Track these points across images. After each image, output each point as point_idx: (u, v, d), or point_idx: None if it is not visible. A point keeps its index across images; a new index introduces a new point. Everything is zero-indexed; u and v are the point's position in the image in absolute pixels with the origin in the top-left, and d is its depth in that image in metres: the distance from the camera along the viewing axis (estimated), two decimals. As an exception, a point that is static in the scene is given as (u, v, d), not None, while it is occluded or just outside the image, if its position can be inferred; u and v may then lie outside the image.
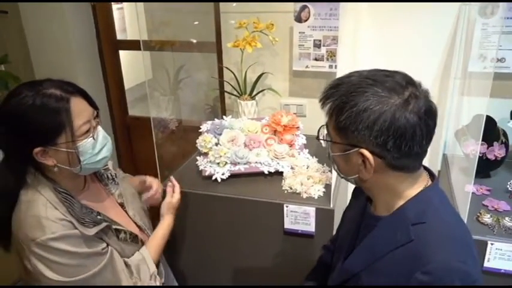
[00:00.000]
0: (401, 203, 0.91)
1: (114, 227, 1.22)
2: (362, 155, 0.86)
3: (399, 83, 0.84)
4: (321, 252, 1.37)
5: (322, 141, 0.97)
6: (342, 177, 0.98)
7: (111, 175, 1.37)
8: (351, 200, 1.18)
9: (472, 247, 0.87)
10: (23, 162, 1.11)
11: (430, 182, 0.94)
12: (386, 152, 0.84)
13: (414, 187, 0.92)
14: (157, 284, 1.28)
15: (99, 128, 1.17)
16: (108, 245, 1.18)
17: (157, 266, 1.35)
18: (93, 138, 1.14)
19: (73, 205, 1.12)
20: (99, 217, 1.18)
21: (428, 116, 0.83)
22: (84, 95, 1.15)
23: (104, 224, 1.16)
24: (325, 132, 0.94)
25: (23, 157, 1.09)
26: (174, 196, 1.50)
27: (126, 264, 1.21)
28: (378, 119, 0.81)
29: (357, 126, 0.83)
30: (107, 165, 1.37)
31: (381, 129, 0.82)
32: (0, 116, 1.08)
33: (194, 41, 2.30)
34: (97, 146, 1.15)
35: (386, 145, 0.83)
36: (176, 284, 1.61)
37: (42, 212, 1.07)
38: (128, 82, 2.82)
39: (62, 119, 1.07)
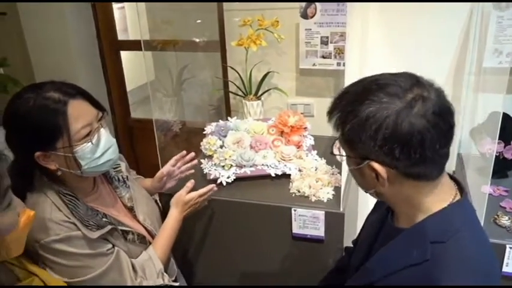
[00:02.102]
0: (422, 217, 0.85)
1: (121, 228, 1.21)
2: (373, 168, 0.81)
3: (402, 86, 0.78)
4: (335, 254, 1.36)
5: (337, 157, 0.92)
6: (365, 192, 0.93)
7: (123, 177, 1.35)
8: (376, 203, 1.12)
9: (491, 273, 0.81)
10: (27, 164, 1.10)
11: (458, 197, 0.86)
12: (396, 161, 0.78)
13: (438, 200, 0.84)
14: (165, 281, 1.27)
15: (102, 131, 1.15)
16: (114, 245, 1.17)
17: (167, 262, 1.35)
18: (92, 143, 1.11)
19: (77, 207, 1.12)
20: (104, 219, 1.17)
21: (440, 117, 0.76)
22: (87, 96, 1.13)
23: (108, 228, 1.16)
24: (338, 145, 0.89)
25: (26, 159, 1.08)
26: (189, 194, 1.42)
27: (132, 265, 1.20)
28: (380, 127, 0.76)
29: (361, 137, 0.78)
30: (119, 166, 1.35)
31: (384, 138, 0.76)
32: (4, 118, 1.08)
33: (197, 40, 2.26)
34: (98, 150, 1.13)
35: (393, 154, 0.77)
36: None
37: (47, 214, 1.07)
38: (131, 83, 2.79)
39: (59, 123, 1.05)
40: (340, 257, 1.34)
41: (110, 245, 1.16)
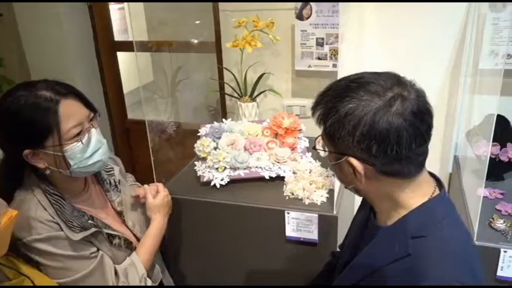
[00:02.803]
0: (403, 213, 0.87)
1: (106, 231, 1.20)
2: (350, 163, 0.83)
3: (382, 84, 0.80)
4: (329, 258, 1.34)
5: (320, 151, 0.94)
6: (345, 187, 0.95)
7: (115, 181, 1.34)
8: (360, 204, 1.13)
9: (474, 265, 0.82)
10: (17, 162, 1.10)
11: (437, 192, 0.88)
12: (373, 158, 0.80)
13: (417, 196, 0.86)
14: (148, 285, 1.27)
15: (93, 131, 1.14)
16: (98, 249, 1.17)
17: (151, 268, 1.34)
18: (82, 143, 1.11)
19: (63, 207, 1.11)
20: (90, 221, 1.16)
21: (418, 117, 0.78)
22: (80, 96, 1.13)
23: (92, 230, 1.15)
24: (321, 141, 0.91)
25: (16, 157, 1.08)
26: (157, 196, 1.41)
27: (115, 271, 1.19)
28: (358, 124, 0.78)
29: (341, 133, 0.80)
30: (112, 170, 1.35)
31: (362, 134, 0.78)
32: None
33: (195, 41, 2.25)
34: (88, 150, 1.13)
35: (370, 150, 0.79)
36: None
37: (32, 212, 1.08)
38: (131, 84, 2.77)
39: (49, 121, 1.05)
40: (327, 261, 1.33)
41: (94, 249, 1.16)
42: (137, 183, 1.58)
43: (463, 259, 0.81)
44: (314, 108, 0.86)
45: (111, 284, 1.15)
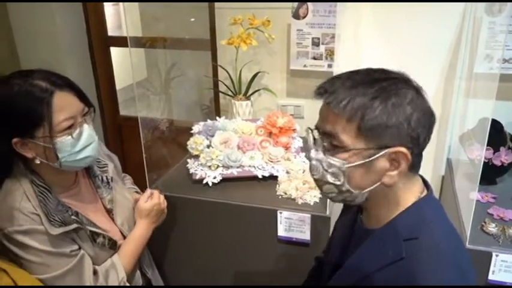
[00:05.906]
0: (395, 212, 0.85)
1: (91, 229, 1.18)
2: (395, 154, 0.77)
3: (404, 77, 0.81)
4: (313, 263, 1.31)
5: (334, 158, 0.80)
6: (360, 191, 0.84)
7: (107, 178, 1.32)
8: (342, 208, 1.11)
9: (464, 265, 0.81)
10: (6, 151, 1.09)
11: (425, 192, 0.87)
12: (417, 147, 0.78)
13: (409, 194, 0.85)
14: None
15: (85, 126, 1.14)
16: (79, 247, 1.15)
17: (132, 272, 1.32)
18: (72, 137, 1.10)
19: (47, 200, 1.10)
20: (73, 217, 1.14)
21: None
22: (75, 89, 1.12)
23: (73, 226, 1.12)
24: (326, 142, 0.81)
25: (5, 146, 1.07)
26: (149, 201, 1.37)
27: (95, 271, 1.17)
28: (410, 112, 0.75)
29: (391, 121, 0.75)
30: (106, 166, 1.33)
31: (417, 120, 0.76)
32: None
33: (189, 38, 2.23)
34: (78, 144, 1.12)
35: (419, 138, 0.77)
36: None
37: (17, 203, 1.07)
38: (124, 81, 2.74)
39: (42, 111, 1.04)
40: (312, 267, 1.31)
41: (76, 247, 1.14)
42: (135, 186, 1.56)
43: (455, 260, 0.80)
44: (344, 103, 0.76)
45: (88, 285, 1.13)
